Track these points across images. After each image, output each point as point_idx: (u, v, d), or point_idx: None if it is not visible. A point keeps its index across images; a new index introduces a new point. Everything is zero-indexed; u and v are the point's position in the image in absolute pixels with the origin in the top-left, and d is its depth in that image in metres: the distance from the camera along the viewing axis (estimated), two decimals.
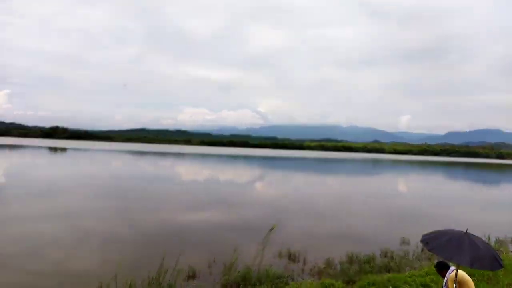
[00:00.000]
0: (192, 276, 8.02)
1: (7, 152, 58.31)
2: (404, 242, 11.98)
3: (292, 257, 9.69)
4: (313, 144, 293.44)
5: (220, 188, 25.19)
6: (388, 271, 8.71)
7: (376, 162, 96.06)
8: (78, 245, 10.02)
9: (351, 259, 9.55)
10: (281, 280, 7.60)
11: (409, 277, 7.82)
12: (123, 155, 66.14)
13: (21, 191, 19.01)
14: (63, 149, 77.70)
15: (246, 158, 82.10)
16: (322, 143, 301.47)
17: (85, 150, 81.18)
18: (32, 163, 40.36)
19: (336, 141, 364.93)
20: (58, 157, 53.96)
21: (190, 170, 40.10)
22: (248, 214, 16.01)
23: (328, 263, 9.21)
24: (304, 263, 9.29)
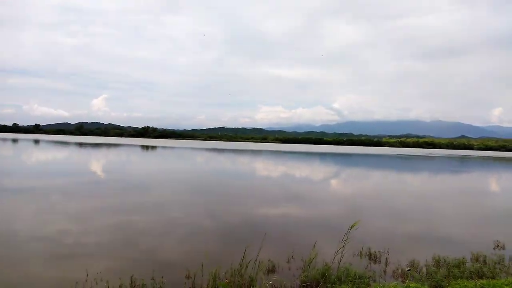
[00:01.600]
0: (271, 270, 8.24)
1: (105, 150, 65.21)
2: (499, 246, 10.87)
3: (373, 257, 9.40)
4: (392, 140, 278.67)
5: (296, 184, 25.27)
6: (481, 277, 8.00)
7: (463, 159, 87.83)
8: (167, 236, 10.89)
9: (438, 262, 8.96)
10: (362, 280, 7.44)
11: (507, 284, 7.11)
12: (205, 152, 69.71)
13: (118, 185, 21.18)
14: (154, 147, 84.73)
15: (321, 155, 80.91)
16: (402, 139, 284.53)
17: (172, 147, 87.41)
18: (127, 160, 44.58)
19: (418, 137, 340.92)
20: (149, 154, 58.80)
21: (267, 167, 40.81)
22: (325, 210, 15.87)
23: (413, 266, 8.78)
24: (386, 264, 8.96)
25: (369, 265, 8.86)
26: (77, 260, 8.51)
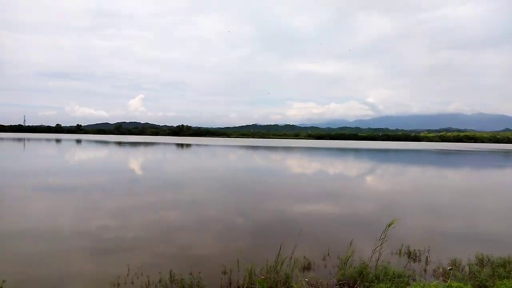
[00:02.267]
0: (307, 267, 8.21)
1: (143, 149, 67.34)
2: None
3: (412, 256, 9.13)
4: (430, 135, 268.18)
5: (330, 181, 24.95)
6: None
7: (508, 153, 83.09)
8: (202, 232, 11.10)
9: (481, 261, 8.56)
10: (401, 279, 7.24)
11: None
12: (238, 150, 70.34)
13: (154, 182, 21.83)
14: (188, 145, 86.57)
15: (356, 151, 79.34)
16: (442, 133, 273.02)
17: (206, 145, 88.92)
18: (163, 158, 45.82)
19: (459, 131, 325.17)
20: (184, 152, 60.12)
21: (299, 163, 40.58)
22: (361, 207, 15.57)
23: (455, 265, 8.44)
24: (427, 263, 8.68)
25: (408, 264, 8.62)
26: (117, 255, 8.87)
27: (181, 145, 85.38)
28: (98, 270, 7.94)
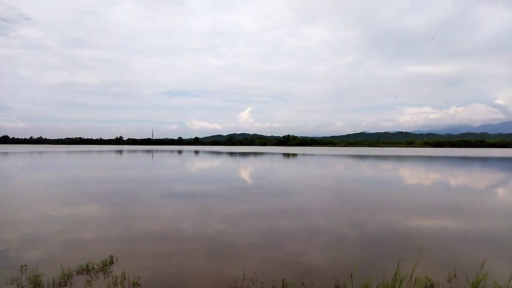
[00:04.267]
0: None
1: (252, 158, 70.47)
2: None
3: None
4: None
5: (453, 193, 22.38)
6: None
7: None
8: (311, 242, 11.00)
9: None
10: None
11: None
12: (345, 159, 68.43)
13: (263, 190, 22.55)
14: (294, 155, 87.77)
15: (483, 160, 69.86)
16: None
17: (311, 155, 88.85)
18: (271, 167, 47.21)
19: None
20: (291, 161, 61.04)
21: (414, 173, 37.42)
22: (493, 224, 13.57)
23: None
24: None
25: None
26: (233, 259, 9.35)
27: (287, 155, 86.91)
28: (216, 271, 8.49)
